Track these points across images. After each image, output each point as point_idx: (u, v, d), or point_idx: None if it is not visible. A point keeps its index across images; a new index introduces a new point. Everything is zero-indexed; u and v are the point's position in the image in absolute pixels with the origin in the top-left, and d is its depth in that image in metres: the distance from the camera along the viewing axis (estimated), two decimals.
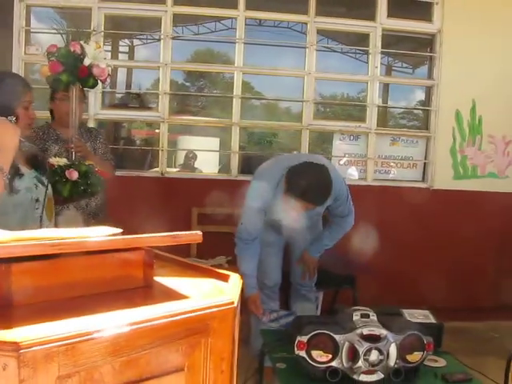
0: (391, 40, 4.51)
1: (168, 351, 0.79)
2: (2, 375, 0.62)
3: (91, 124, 3.79)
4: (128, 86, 6.23)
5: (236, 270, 1.03)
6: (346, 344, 1.78)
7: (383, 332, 1.80)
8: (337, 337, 1.79)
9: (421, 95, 4.70)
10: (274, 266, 2.98)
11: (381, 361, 1.78)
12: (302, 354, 1.80)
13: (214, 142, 7.04)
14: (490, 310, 3.81)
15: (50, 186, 1.71)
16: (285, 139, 7.61)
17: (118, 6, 3.84)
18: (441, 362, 2.06)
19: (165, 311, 0.78)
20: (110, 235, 0.91)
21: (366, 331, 1.79)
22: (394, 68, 6.31)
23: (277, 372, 2.01)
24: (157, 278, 0.97)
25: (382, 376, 1.79)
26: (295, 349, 1.81)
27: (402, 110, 5.93)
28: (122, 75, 5.81)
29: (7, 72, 2.27)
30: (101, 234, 0.90)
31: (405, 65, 6.17)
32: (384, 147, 4.25)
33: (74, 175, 2.18)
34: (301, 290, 3.07)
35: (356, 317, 1.85)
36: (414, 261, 3.85)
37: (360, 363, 1.77)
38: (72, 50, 2.25)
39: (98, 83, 2.41)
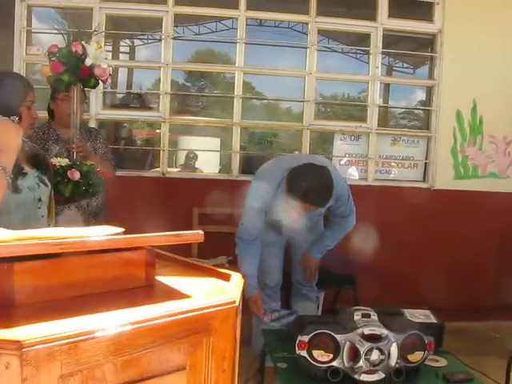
0: (392, 40, 4.51)
1: (170, 350, 0.79)
2: (5, 374, 0.63)
3: (92, 124, 3.79)
4: (129, 86, 6.25)
5: (237, 270, 1.03)
6: (347, 344, 1.78)
7: (384, 332, 1.80)
8: (338, 336, 1.79)
9: (421, 95, 4.70)
10: (275, 266, 2.98)
11: (382, 360, 1.78)
12: (303, 353, 1.80)
13: (214, 142, 7.05)
14: (491, 310, 3.80)
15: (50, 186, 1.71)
16: (285, 139, 7.62)
17: (119, 7, 3.85)
18: (442, 362, 2.06)
19: (166, 310, 0.78)
20: (111, 235, 0.91)
21: (367, 331, 1.79)
22: (394, 68, 6.32)
23: (278, 372, 2.01)
24: (158, 278, 0.97)
25: (383, 376, 1.79)
26: (296, 348, 1.81)
27: (403, 110, 5.93)
28: (122, 75, 5.82)
29: (10, 72, 2.27)
30: (103, 234, 0.91)
31: (405, 65, 6.17)
32: (385, 147, 4.25)
33: (76, 175, 2.18)
34: (302, 290, 3.07)
35: (357, 316, 1.85)
36: (414, 261, 3.85)
37: (361, 363, 1.77)
38: (74, 50, 2.25)
39: (99, 83, 2.41)
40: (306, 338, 1.79)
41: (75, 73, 2.28)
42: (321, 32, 4.25)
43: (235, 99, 4.02)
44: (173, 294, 0.90)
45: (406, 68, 6.21)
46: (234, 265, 2.99)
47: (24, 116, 1.62)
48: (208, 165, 6.06)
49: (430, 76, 4.26)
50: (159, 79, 4.03)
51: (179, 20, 4.17)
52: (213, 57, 6.13)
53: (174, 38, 3.97)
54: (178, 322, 0.78)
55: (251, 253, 2.69)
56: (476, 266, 3.97)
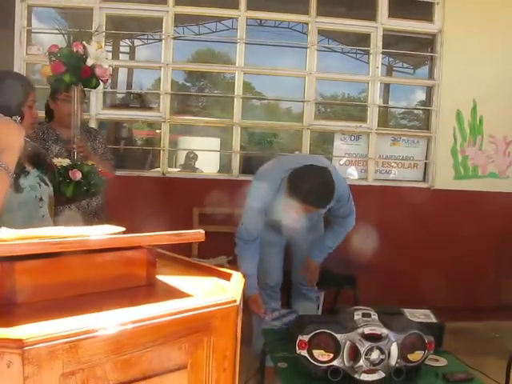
0: (392, 40, 4.51)
1: (171, 349, 0.79)
2: (7, 372, 0.63)
3: (93, 124, 3.80)
4: (129, 86, 6.25)
5: (237, 270, 1.03)
6: (348, 343, 1.79)
7: (384, 331, 1.80)
8: (338, 336, 1.79)
9: (421, 95, 4.70)
10: (276, 266, 2.98)
11: (382, 360, 1.78)
12: (304, 353, 1.80)
13: (214, 143, 7.05)
14: (491, 310, 3.81)
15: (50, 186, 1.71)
16: (285, 139, 7.63)
17: (120, 7, 3.85)
18: (442, 362, 2.06)
19: (167, 309, 0.79)
20: (112, 234, 0.91)
21: (367, 330, 1.79)
22: (394, 68, 6.32)
23: (278, 371, 2.01)
24: (159, 277, 0.97)
25: (384, 375, 1.79)
26: (297, 348, 1.81)
27: (403, 110, 5.94)
28: (122, 75, 5.83)
29: (11, 72, 2.26)
30: (104, 233, 0.91)
31: (405, 65, 6.18)
32: (385, 147, 4.25)
33: (78, 175, 2.18)
34: (302, 290, 3.07)
35: (357, 316, 1.85)
36: (414, 261, 3.85)
37: (361, 362, 1.77)
38: (75, 50, 2.24)
39: (99, 83, 2.41)
40: (306, 338, 1.79)
41: (76, 73, 2.28)
42: (321, 32, 4.25)
43: (235, 99, 4.02)
44: (174, 293, 0.90)
45: (406, 68, 6.21)
46: (233, 265, 2.99)
47: (26, 116, 1.62)
48: (208, 165, 6.07)
49: (430, 76, 4.27)
50: (159, 79, 4.04)
51: (179, 20, 4.18)
52: (213, 57, 6.14)
53: (174, 38, 3.97)
54: (179, 321, 0.79)
55: (251, 253, 2.70)
56: (476, 266, 3.97)
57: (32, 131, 2.20)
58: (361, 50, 5.14)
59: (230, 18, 4.51)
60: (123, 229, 0.95)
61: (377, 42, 4.10)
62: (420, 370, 1.90)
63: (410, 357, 1.84)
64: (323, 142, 6.24)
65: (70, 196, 2.18)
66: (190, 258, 1.17)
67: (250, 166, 4.20)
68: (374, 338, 1.78)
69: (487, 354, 3.01)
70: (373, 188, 4.09)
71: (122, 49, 6.27)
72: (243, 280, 0.99)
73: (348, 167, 4.27)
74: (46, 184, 1.68)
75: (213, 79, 8.47)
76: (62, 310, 0.74)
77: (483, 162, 4.20)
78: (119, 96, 5.87)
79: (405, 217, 3.78)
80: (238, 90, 4.03)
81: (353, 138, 4.24)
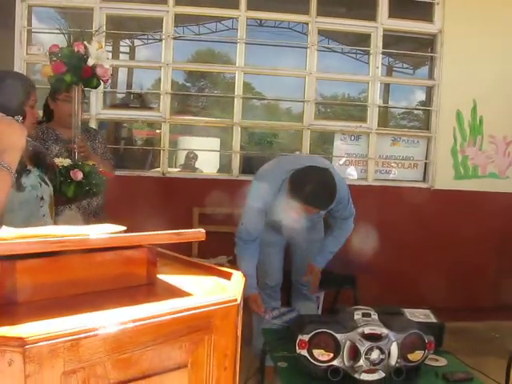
0: (392, 40, 4.52)
1: (171, 348, 0.80)
2: (8, 371, 0.63)
3: (93, 124, 3.80)
4: (129, 86, 6.25)
5: (237, 270, 1.04)
6: (348, 343, 1.79)
7: (384, 331, 1.80)
8: (338, 336, 1.79)
9: (421, 95, 4.70)
10: (276, 266, 2.98)
11: (382, 360, 1.78)
12: (304, 352, 1.81)
13: (214, 143, 7.05)
14: (491, 310, 3.81)
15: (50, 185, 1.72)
16: (285, 139, 7.63)
17: (120, 6, 3.85)
18: (442, 362, 2.06)
19: (168, 308, 0.79)
20: (113, 233, 0.91)
21: (367, 330, 1.79)
22: (394, 68, 6.32)
23: (278, 371, 2.01)
24: (160, 276, 0.98)
25: (384, 375, 1.79)
26: (296, 348, 1.81)
27: (403, 110, 5.94)
28: (123, 75, 5.83)
29: (12, 72, 2.26)
30: (104, 232, 0.91)
31: (405, 65, 6.18)
32: (385, 147, 4.26)
33: (79, 175, 2.18)
34: (302, 290, 3.07)
35: (357, 316, 1.86)
36: (414, 261, 3.86)
37: (361, 362, 1.77)
38: (76, 50, 2.24)
39: (100, 83, 2.41)
40: (306, 338, 1.80)
41: (77, 73, 2.28)
42: (321, 32, 4.26)
43: (235, 99, 4.03)
44: (174, 292, 0.90)
45: (406, 68, 6.21)
46: (233, 264, 2.99)
47: (28, 115, 1.62)
48: (208, 165, 6.06)
49: (430, 76, 4.27)
50: (159, 79, 4.04)
51: (179, 20, 4.18)
52: (213, 57, 6.14)
53: (175, 38, 3.98)
54: (180, 320, 0.79)
55: (250, 253, 2.70)
56: (476, 265, 3.98)
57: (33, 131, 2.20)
58: (361, 50, 5.14)
59: (230, 18, 4.51)
60: (124, 228, 0.95)
61: (377, 42, 4.10)
62: (420, 370, 1.90)
63: (410, 356, 1.84)
64: (323, 142, 6.24)
65: (72, 196, 2.18)
66: (190, 258, 1.17)
67: (249, 166, 4.20)
68: (373, 337, 1.79)
69: (487, 354, 3.01)
70: (373, 188, 4.10)
71: (121, 49, 6.27)
72: (244, 279, 0.99)
73: (347, 167, 4.27)
74: (47, 184, 1.68)
75: (213, 79, 8.47)
76: (63, 308, 0.74)
77: (483, 162, 4.20)
78: (119, 96, 5.87)
79: (405, 217, 3.78)
80: (238, 90, 4.03)
81: (353, 138, 4.25)
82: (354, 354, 1.78)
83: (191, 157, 6.07)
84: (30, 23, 3.82)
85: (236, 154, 4.04)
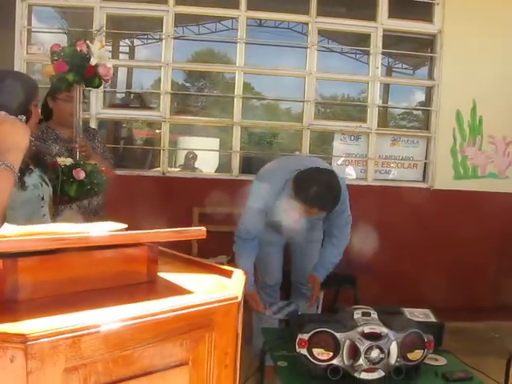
0: (392, 40, 4.52)
1: (172, 345, 0.80)
2: (10, 367, 0.63)
3: (93, 124, 3.80)
4: (129, 85, 6.25)
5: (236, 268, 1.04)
6: (347, 342, 1.79)
7: (384, 330, 1.80)
8: (338, 335, 1.80)
9: (421, 95, 4.71)
10: (275, 265, 2.98)
11: (382, 359, 1.78)
12: (303, 352, 1.81)
13: (213, 143, 7.06)
14: (491, 310, 3.81)
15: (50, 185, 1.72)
16: (285, 139, 7.64)
17: (120, 6, 3.85)
18: (441, 361, 2.06)
19: (169, 306, 0.79)
20: (114, 231, 0.92)
21: (367, 329, 1.79)
22: (394, 68, 6.33)
23: (278, 370, 2.01)
24: (161, 274, 0.98)
25: (383, 374, 1.80)
26: (296, 347, 1.81)
27: (403, 110, 5.95)
28: (122, 75, 5.83)
29: (15, 72, 2.26)
30: (105, 230, 0.91)
31: (405, 65, 6.18)
32: (384, 147, 4.26)
33: (81, 175, 2.18)
34: (301, 289, 3.06)
35: (357, 315, 1.86)
36: (414, 261, 3.86)
37: (361, 361, 1.77)
38: (78, 49, 2.24)
39: (102, 83, 2.41)
40: (306, 337, 1.80)
41: (80, 72, 2.28)
42: (321, 32, 4.26)
43: (235, 99, 4.03)
44: (175, 290, 0.90)
45: (406, 68, 6.22)
46: (233, 264, 2.99)
47: (32, 115, 1.62)
48: (207, 165, 6.06)
49: (430, 76, 4.27)
50: (159, 79, 4.04)
51: (179, 20, 4.18)
52: (213, 57, 6.14)
53: (175, 38, 3.98)
54: (181, 318, 0.79)
55: (248, 250, 2.69)
56: (476, 265, 3.98)
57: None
58: (361, 50, 5.14)
59: (230, 18, 4.52)
60: (125, 225, 0.95)
61: (377, 43, 4.11)
62: (419, 369, 1.90)
63: (410, 356, 1.84)
64: (323, 142, 6.24)
65: (74, 195, 2.18)
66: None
67: (249, 166, 4.21)
68: (373, 336, 1.79)
69: (487, 353, 3.01)
70: (372, 188, 4.10)
71: (121, 48, 6.27)
72: (244, 277, 0.99)
73: (346, 167, 4.27)
74: (47, 184, 1.68)
75: (213, 79, 8.48)
76: (64, 306, 0.75)
77: (483, 162, 4.20)
78: (119, 96, 5.87)
79: (404, 217, 3.78)
80: (238, 89, 4.04)
81: (352, 138, 4.25)
82: (354, 353, 1.78)
83: (191, 157, 6.07)
84: (30, 23, 3.82)
85: (236, 153, 4.04)
